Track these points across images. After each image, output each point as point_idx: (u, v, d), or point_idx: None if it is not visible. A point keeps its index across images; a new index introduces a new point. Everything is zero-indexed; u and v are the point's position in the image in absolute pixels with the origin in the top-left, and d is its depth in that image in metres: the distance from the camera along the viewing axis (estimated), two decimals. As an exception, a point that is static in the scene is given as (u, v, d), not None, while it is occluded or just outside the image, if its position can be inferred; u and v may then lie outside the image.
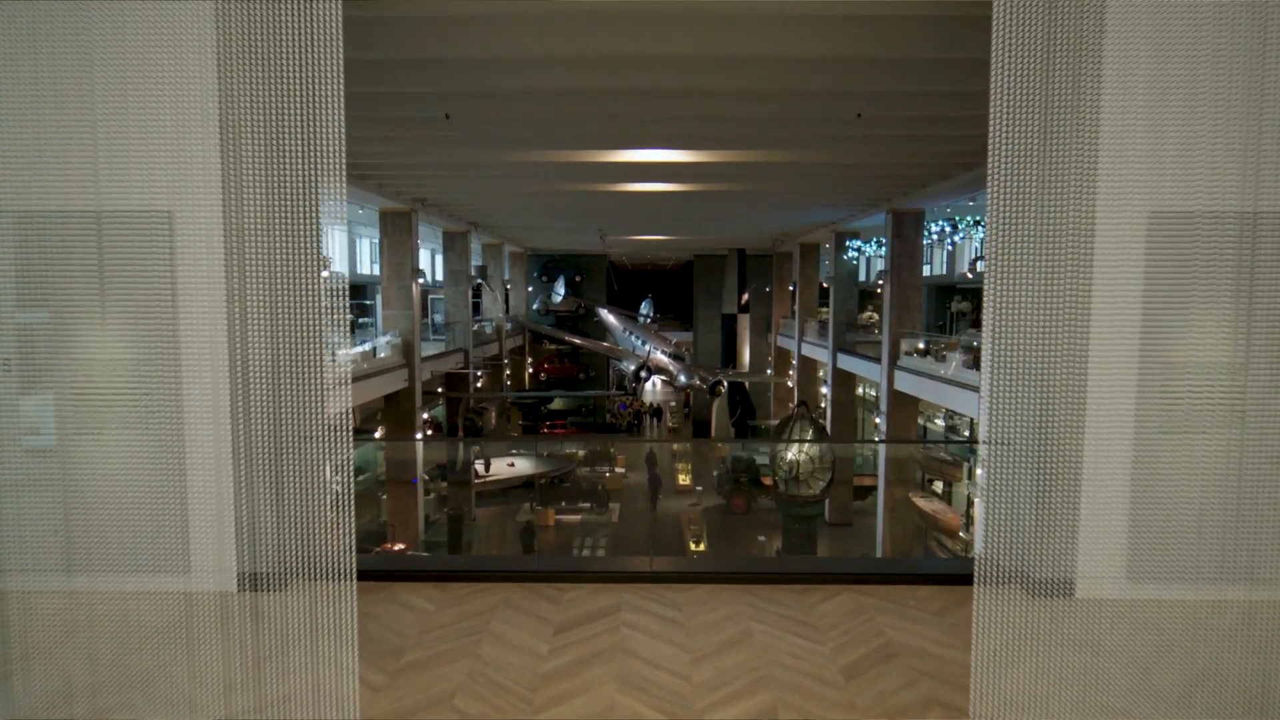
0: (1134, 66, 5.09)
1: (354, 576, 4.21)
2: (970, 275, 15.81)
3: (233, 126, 5.10)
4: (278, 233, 5.41)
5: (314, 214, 5.95)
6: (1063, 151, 4.98)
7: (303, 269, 5.74)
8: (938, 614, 4.93)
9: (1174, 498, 5.07)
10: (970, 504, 24.04)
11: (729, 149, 14.62)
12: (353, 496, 4.63)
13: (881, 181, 18.67)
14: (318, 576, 4.40)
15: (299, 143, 5.42)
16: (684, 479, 34.05)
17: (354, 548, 4.38)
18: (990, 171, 4.51)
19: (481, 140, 13.72)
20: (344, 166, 4.61)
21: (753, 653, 4.47)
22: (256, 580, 5.27)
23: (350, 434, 4.61)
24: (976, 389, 15.77)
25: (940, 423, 28.68)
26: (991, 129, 4.45)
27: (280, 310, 5.46)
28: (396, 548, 18.39)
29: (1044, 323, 5.39)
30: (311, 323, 5.86)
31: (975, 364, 16.38)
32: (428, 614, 4.94)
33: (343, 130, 4.41)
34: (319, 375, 6.02)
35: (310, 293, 5.83)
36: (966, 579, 5.38)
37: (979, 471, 15.72)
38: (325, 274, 14.68)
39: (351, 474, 4.72)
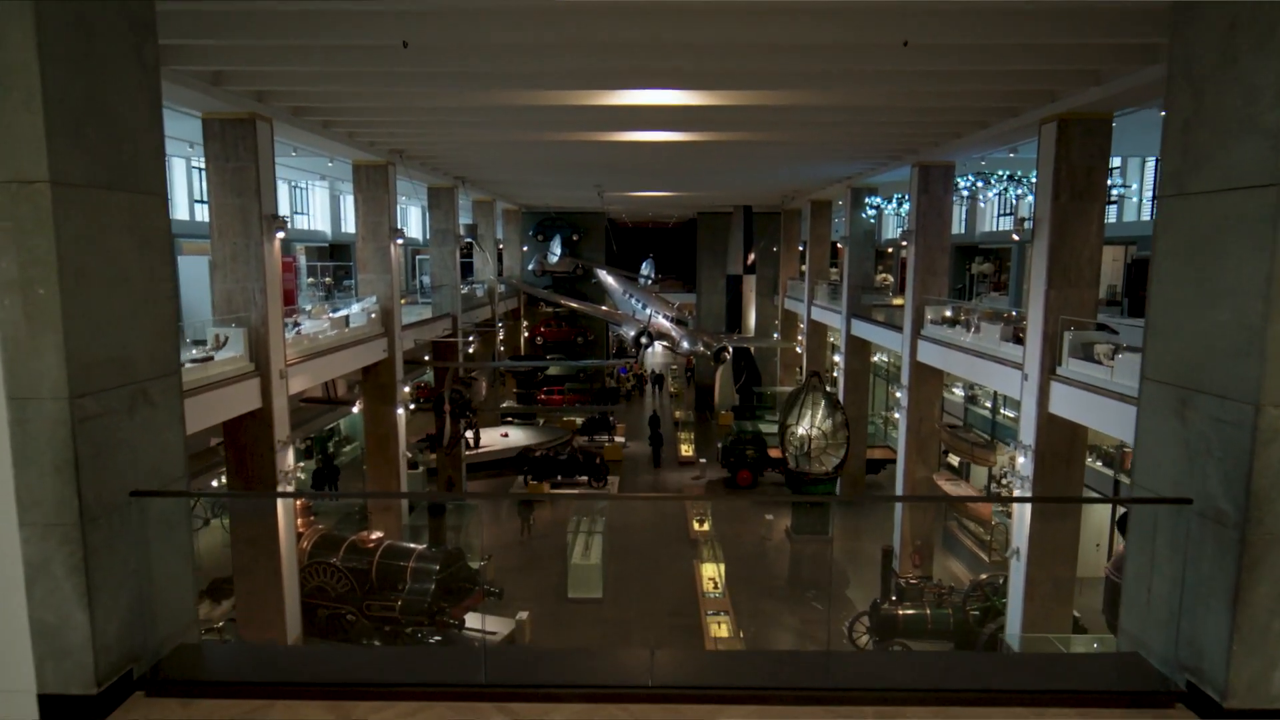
0: None
1: None
2: (1016, 238, 13.87)
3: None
4: (97, 181, 3.58)
5: (157, 156, 4.09)
6: None
7: (138, 233, 3.91)
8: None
9: None
10: (998, 484, 22.39)
11: (742, 89, 12.60)
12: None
13: (912, 129, 16.62)
14: None
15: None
16: (686, 450, 32.48)
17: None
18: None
19: (452, 78, 11.71)
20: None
21: None
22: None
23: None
24: (1019, 366, 13.98)
25: (959, 392, 26.94)
26: None
27: (95, 297, 3.63)
28: (374, 536, 16.78)
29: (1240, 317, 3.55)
30: (156, 315, 4.04)
31: (1017, 338, 14.56)
32: (304, 774, 3.22)
33: None
34: (174, 392, 4.22)
35: (151, 272, 4.00)
36: (1125, 699, 3.66)
37: (1020, 459, 14.04)
38: (280, 236, 12.47)
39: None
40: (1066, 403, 12.79)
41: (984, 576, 15.89)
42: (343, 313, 18.73)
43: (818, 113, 14.60)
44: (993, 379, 15.97)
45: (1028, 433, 13.56)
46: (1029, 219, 13.67)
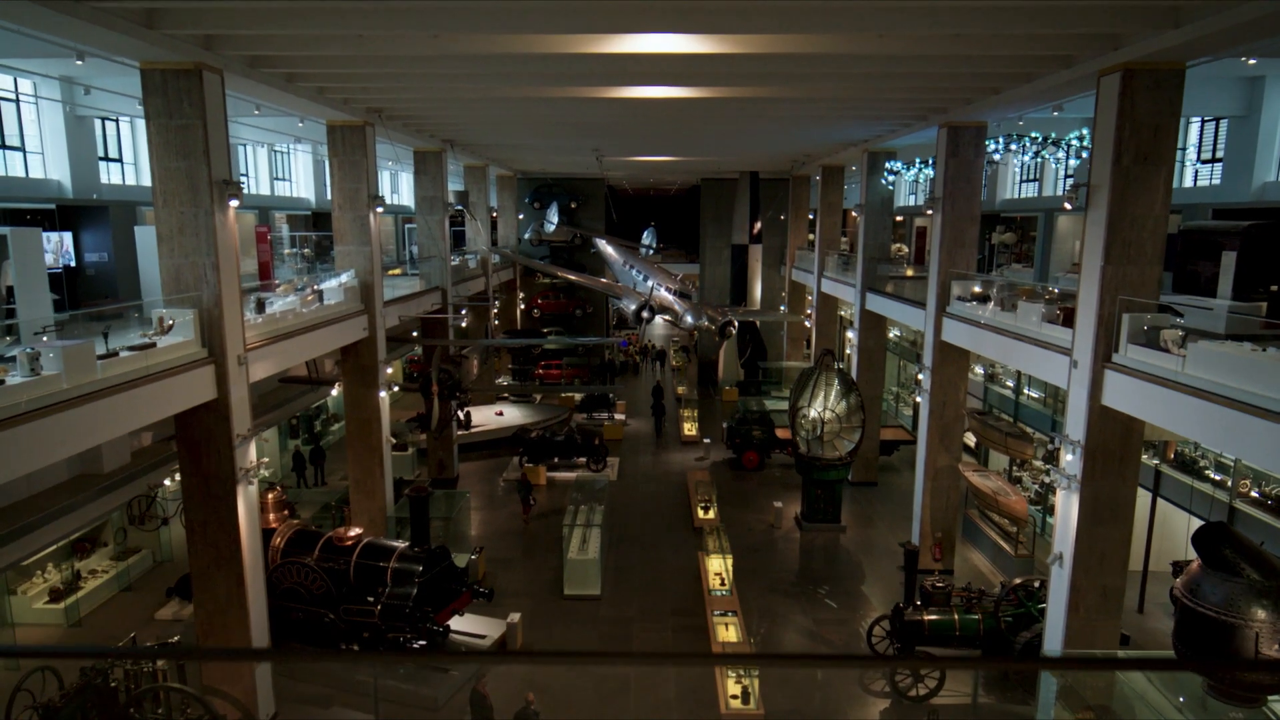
0: None
1: None
2: (1069, 206, 12.27)
3: None
4: None
5: None
6: None
7: None
8: None
9: None
10: (1040, 483, 20.99)
11: (756, 33, 10.92)
12: None
13: (944, 84, 14.93)
14: None
15: None
16: (689, 428, 31.04)
17: None
18: None
19: (421, 14, 10.06)
20: None
21: None
22: None
23: None
24: (1066, 351, 12.46)
25: (979, 370, 25.41)
26: None
27: None
28: (352, 533, 15.43)
29: None
30: None
31: (1065, 320, 13.04)
32: None
33: None
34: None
35: None
36: None
37: (1067, 456, 12.57)
38: (234, 204, 10.62)
39: None
40: (1123, 395, 11.30)
41: (1018, 580, 14.53)
42: (317, 287, 17.12)
43: (840, 63, 12.95)
44: (1033, 364, 14.44)
45: (1076, 427, 12.08)
46: (1082, 182, 12.06)
